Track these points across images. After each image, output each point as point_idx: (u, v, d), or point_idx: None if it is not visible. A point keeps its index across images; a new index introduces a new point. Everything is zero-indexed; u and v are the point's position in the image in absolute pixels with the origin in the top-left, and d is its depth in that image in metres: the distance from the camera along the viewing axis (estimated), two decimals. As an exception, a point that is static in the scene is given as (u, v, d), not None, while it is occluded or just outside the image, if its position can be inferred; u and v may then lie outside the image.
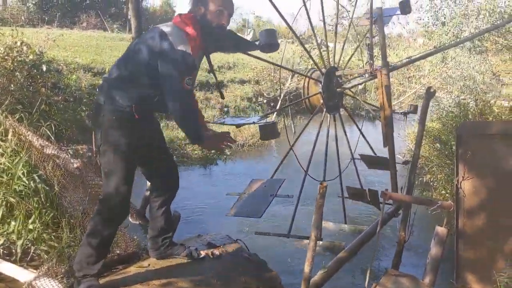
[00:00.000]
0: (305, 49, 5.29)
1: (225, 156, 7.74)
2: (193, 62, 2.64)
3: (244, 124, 4.21)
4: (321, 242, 3.96)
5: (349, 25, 5.38)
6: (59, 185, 3.64)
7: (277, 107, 10.58)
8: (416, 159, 3.65)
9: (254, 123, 4.08)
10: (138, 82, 2.69)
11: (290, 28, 4.44)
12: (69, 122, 6.74)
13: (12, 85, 6.30)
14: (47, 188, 3.65)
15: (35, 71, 6.74)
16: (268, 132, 4.12)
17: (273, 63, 4.99)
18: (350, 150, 4.98)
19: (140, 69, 2.68)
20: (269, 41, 3.32)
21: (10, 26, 13.69)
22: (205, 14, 2.70)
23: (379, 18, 3.99)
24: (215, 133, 3.06)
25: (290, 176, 4.37)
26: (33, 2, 27.85)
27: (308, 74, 4.85)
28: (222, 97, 3.37)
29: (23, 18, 20.68)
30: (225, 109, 10.46)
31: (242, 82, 12.18)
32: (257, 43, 3.39)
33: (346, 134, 5.01)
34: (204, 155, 7.45)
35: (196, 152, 7.44)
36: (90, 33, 16.40)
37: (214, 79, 4.16)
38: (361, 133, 5.04)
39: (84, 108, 7.21)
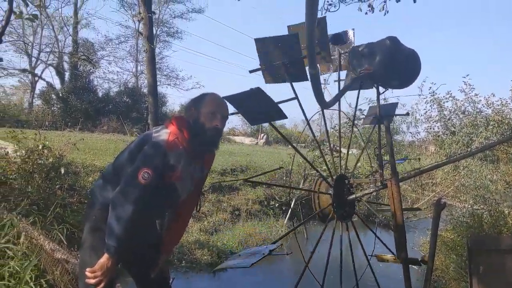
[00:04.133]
0: (324, 158, 5.42)
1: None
2: (163, 156, 2.52)
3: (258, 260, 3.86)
4: None
5: (351, 132, 5.51)
6: (65, 290, 3.61)
7: (288, 214, 10.56)
8: (429, 273, 3.56)
9: (270, 253, 3.81)
10: (119, 180, 2.59)
11: (314, 136, 4.61)
12: (82, 225, 6.76)
13: (29, 187, 6.47)
14: (53, 293, 3.61)
15: (53, 173, 6.94)
16: None
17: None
18: (366, 255, 4.86)
19: (123, 167, 2.67)
20: None
21: (34, 129, 14.34)
22: (197, 116, 2.68)
23: (387, 130, 4.12)
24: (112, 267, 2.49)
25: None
26: (58, 106, 29.39)
27: (317, 183, 4.92)
28: (198, 209, 3.20)
29: (47, 122, 21.63)
30: (236, 212, 10.45)
31: (254, 185, 12.29)
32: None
33: (360, 240, 4.93)
34: (214, 260, 7.31)
35: (205, 257, 7.33)
36: (110, 136, 17.02)
37: (226, 183, 4.16)
38: (376, 235, 4.97)
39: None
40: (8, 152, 6.77)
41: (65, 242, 4.20)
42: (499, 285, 2.97)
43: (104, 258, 2.46)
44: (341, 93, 4.10)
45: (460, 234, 6.68)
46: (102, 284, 2.47)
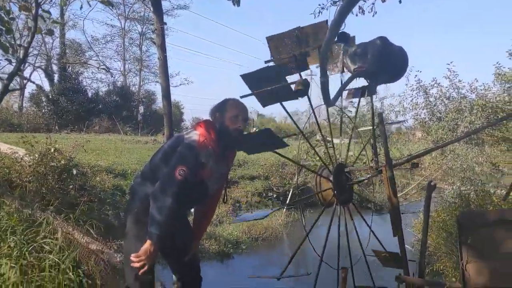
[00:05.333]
0: (327, 149, 5.85)
1: (240, 250, 8.04)
2: (196, 155, 2.89)
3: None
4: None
5: (352, 129, 5.97)
6: (101, 278, 4.03)
7: (287, 202, 11.06)
8: (424, 246, 4.02)
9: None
10: (156, 178, 2.96)
11: (302, 133, 5.04)
12: (95, 220, 7.15)
13: (43, 189, 6.84)
14: (90, 281, 4.03)
15: (66, 174, 7.30)
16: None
17: (292, 161, 5.48)
18: (361, 245, 5.28)
19: (159, 166, 3.03)
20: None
21: (26, 132, 14.54)
22: (222, 120, 3.07)
23: (380, 122, 4.56)
24: (155, 252, 2.86)
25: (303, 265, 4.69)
26: (49, 108, 29.49)
27: (320, 172, 5.38)
28: (224, 200, 3.60)
29: (57, 127, 21.68)
30: (237, 204, 10.89)
31: (252, 178, 12.74)
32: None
33: (356, 229, 5.34)
34: (221, 250, 7.75)
35: (213, 247, 7.76)
36: (106, 137, 17.32)
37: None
38: (371, 229, 5.39)
39: (108, 208, 7.65)
40: (22, 157, 7.12)
41: (94, 235, 4.61)
42: (486, 255, 3.39)
43: (147, 245, 2.86)
44: (340, 90, 4.53)
45: (449, 214, 7.15)
46: (145, 268, 2.89)
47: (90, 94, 32.53)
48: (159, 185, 2.88)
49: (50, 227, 4.36)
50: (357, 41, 4.72)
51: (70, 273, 3.93)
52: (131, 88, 38.27)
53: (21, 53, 4.83)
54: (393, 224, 4.44)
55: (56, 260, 3.99)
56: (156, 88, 43.52)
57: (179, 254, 3.34)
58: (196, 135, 3.00)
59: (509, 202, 6.49)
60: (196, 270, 3.50)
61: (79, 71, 32.67)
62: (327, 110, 4.86)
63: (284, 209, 10.80)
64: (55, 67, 31.41)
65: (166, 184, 2.85)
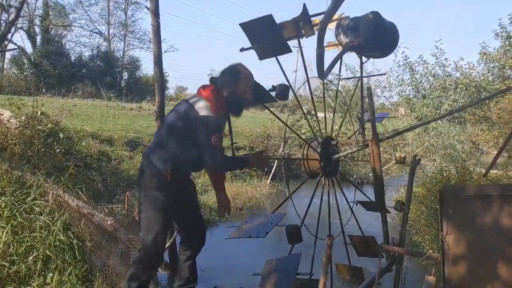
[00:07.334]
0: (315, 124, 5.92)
1: (225, 219, 8.17)
2: (216, 122, 3.09)
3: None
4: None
5: (346, 111, 6.01)
6: (91, 241, 4.09)
7: (271, 173, 11.21)
8: (406, 216, 4.17)
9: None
10: (171, 148, 3.12)
11: (299, 102, 5.12)
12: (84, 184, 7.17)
13: (29, 151, 6.82)
14: (80, 243, 4.10)
15: (52, 138, 7.27)
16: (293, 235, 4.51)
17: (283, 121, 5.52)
18: (341, 226, 5.39)
19: (173, 137, 3.16)
20: (283, 94, 3.91)
21: (5, 95, 14.24)
22: (234, 92, 3.25)
23: (369, 98, 4.64)
24: (254, 155, 3.61)
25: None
26: (31, 71, 28.90)
27: (308, 142, 5.47)
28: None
29: (44, 90, 21.21)
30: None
31: (238, 148, 12.81)
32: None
33: (338, 206, 5.44)
34: (206, 218, 7.87)
35: (198, 215, 7.87)
36: (92, 102, 17.14)
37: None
38: (352, 212, 5.49)
39: (94, 173, 7.67)
40: (9, 119, 7.05)
41: (85, 199, 4.65)
42: (466, 227, 3.55)
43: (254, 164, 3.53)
44: (332, 64, 4.58)
45: (429, 189, 7.36)
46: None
47: (73, 58, 31.90)
48: (208, 160, 3.08)
49: (41, 189, 4.39)
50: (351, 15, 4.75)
51: (61, 235, 3.98)
52: (115, 53, 37.59)
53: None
54: (377, 195, 4.59)
55: (47, 221, 4.04)
56: (141, 55, 42.85)
57: (189, 214, 3.55)
58: (207, 108, 3.08)
59: (488, 179, 6.72)
60: (203, 234, 3.69)
61: (63, 34, 31.93)
62: (323, 82, 4.92)
63: (269, 181, 10.95)
64: (37, 29, 30.59)
65: (212, 153, 3.06)
